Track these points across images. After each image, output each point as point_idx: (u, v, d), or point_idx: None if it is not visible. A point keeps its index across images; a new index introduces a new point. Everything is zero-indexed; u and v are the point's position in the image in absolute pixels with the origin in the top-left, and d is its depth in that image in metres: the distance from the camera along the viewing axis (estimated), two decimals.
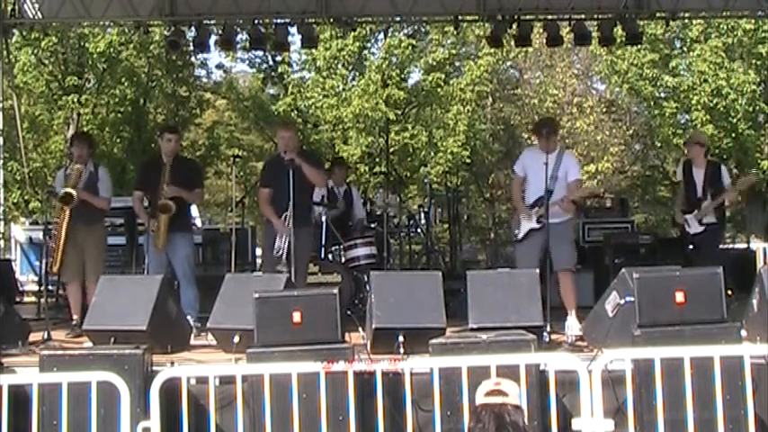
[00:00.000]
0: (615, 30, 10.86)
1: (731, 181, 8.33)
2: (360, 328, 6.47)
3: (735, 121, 18.44)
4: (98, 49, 18.33)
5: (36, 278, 11.04)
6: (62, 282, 8.29)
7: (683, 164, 8.51)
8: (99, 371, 4.87)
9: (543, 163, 6.96)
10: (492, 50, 18.84)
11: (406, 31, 20.57)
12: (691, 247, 8.09)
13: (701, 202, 8.06)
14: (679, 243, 8.36)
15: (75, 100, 18.71)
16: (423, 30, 20.92)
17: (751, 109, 18.55)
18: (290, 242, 7.18)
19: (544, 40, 11.32)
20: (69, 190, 7.41)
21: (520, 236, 7.24)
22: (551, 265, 6.95)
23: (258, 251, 11.58)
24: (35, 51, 18.07)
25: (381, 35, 20.84)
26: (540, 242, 7.02)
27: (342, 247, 9.06)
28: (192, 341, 6.79)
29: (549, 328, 6.35)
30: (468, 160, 21.03)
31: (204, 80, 22.84)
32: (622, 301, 5.86)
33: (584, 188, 7.24)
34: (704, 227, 8.03)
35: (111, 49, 18.54)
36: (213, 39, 10.82)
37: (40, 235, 9.02)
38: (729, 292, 6.25)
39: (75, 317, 7.61)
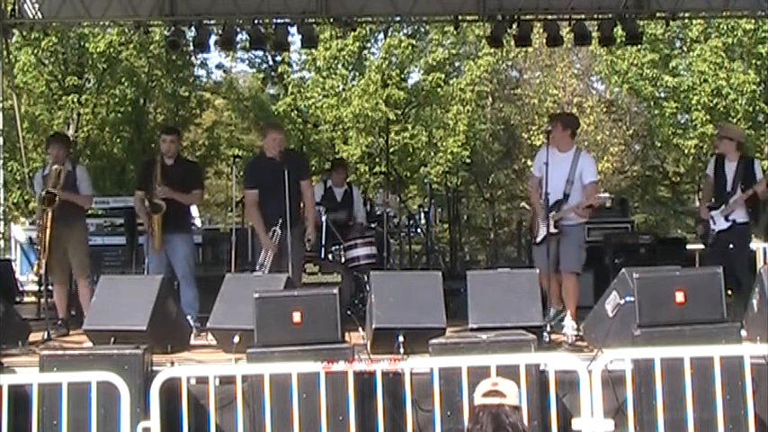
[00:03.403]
0: (615, 30, 10.87)
1: (764, 176, 7.74)
2: (360, 328, 6.46)
3: (735, 121, 18.42)
4: (98, 49, 18.31)
5: (36, 278, 11.03)
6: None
7: (715, 158, 7.99)
8: (99, 371, 4.87)
9: (556, 163, 6.96)
10: (492, 50, 18.83)
11: (405, 31, 20.55)
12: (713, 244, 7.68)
13: (730, 197, 7.58)
14: (702, 241, 8.01)
15: (75, 100, 18.69)
16: (423, 30, 20.90)
17: (751, 109, 18.56)
18: (288, 245, 7.16)
19: (544, 40, 11.33)
20: (51, 190, 7.36)
21: (538, 239, 7.20)
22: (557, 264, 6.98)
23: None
24: (35, 51, 18.03)
25: (381, 35, 20.83)
26: (556, 246, 6.99)
27: (342, 247, 9.06)
28: (192, 341, 6.78)
29: (549, 329, 6.35)
30: (468, 160, 21.04)
31: (204, 80, 22.85)
32: (622, 301, 5.85)
33: (598, 196, 7.13)
34: (730, 223, 7.55)
35: (111, 49, 18.52)
36: (213, 39, 10.84)
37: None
38: (729, 292, 6.24)
39: (61, 316, 7.65)
